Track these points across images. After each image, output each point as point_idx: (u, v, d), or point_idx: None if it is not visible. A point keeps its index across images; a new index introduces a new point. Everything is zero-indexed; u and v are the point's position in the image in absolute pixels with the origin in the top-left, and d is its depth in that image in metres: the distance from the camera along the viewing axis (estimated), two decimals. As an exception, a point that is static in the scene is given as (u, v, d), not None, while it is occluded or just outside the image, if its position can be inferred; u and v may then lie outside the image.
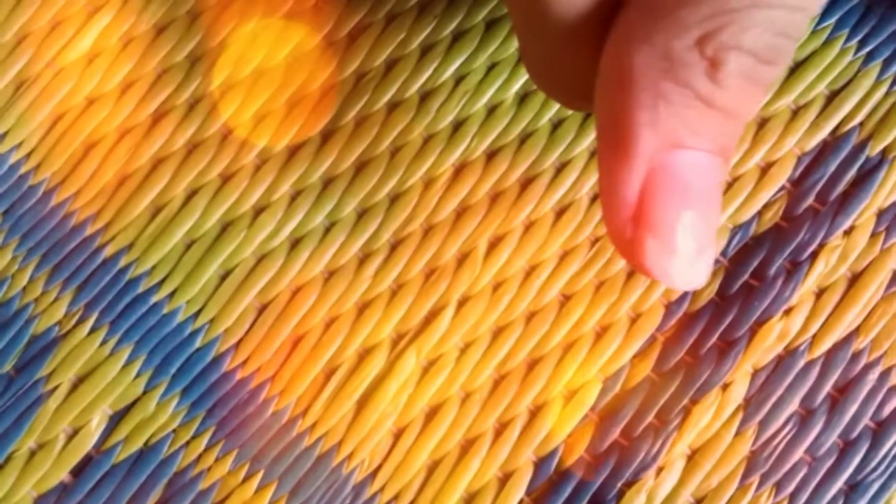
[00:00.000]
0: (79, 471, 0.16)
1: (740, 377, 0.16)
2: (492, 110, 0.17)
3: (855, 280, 0.16)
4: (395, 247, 0.17)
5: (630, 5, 0.12)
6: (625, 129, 0.12)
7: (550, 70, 0.14)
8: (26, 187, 0.17)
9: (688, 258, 0.12)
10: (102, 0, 0.18)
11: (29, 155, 0.17)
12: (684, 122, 0.12)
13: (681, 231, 0.12)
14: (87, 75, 0.18)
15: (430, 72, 0.17)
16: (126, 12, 0.18)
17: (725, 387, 0.16)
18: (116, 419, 0.16)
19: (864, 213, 0.17)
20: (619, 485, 0.16)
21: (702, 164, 0.12)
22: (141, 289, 0.17)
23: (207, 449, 0.16)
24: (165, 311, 0.16)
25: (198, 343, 0.16)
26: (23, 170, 0.17)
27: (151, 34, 0.18)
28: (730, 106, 0.12)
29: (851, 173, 0.17)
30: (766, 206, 0.17)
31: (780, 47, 0.12)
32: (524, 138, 0.17)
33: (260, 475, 0.16)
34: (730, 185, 0.17)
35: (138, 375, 0.16)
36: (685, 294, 0.16)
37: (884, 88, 0.17)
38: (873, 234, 0.17)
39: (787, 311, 0.16)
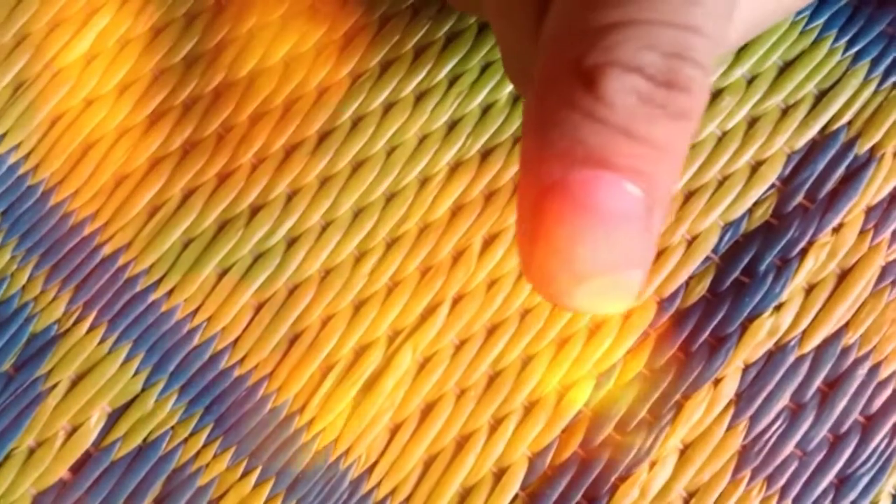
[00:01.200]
0: (78, 468, 0.16)
1: (731, 372, 0.16)
2: (486, 110, 0.18)
3: (844, 276, 0.17)
4: (390, 245, 0.17)
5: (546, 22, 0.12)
6: (524, 148, 0.12)
7: (515, 67, 0.14)
8: (25, 187, 0.17)
9: (577, 280, 0.12)
10: (101, 2, 0.18)
11: (28, 155, 0.17)
12: (578, 142, 0.11)
13: (571, 252, 0.12)
14: (85, 76, 0.18)
15: (424, 73, 0.18)
16: (124, 14, 0.18)
17: (717, 382, 0.16)
18: (115, 416, 0.16)
19: (853, 211, 0.17)
20: (612, 479, 0.16)
21: (602, 185, 0.11)
22: (139, 287, 0.17)
23: (206, 445, 0.16)
24: (163, 309, 0.17)
25: (196, 341, 0.17)
26: (22, 170, 0.17)
27: (149, 36, 0.18)
28: (626, 126, 0.11)
29: (840, 171, 0.17)
30: (757, 204, 0.17)
31: (675, 69, 0.11)
32: (518, 138, 0.17)
33: (258, 471, 0.16)
34: (720, 184, 0.17)
35: (137, 373, 0.16)
36: (677, 291, 0.17)
37: (871, 87, 0.18)
38: (862, 231, 0.17)
39: (778, 308, 0.16)
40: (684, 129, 0.12)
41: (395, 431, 0.16)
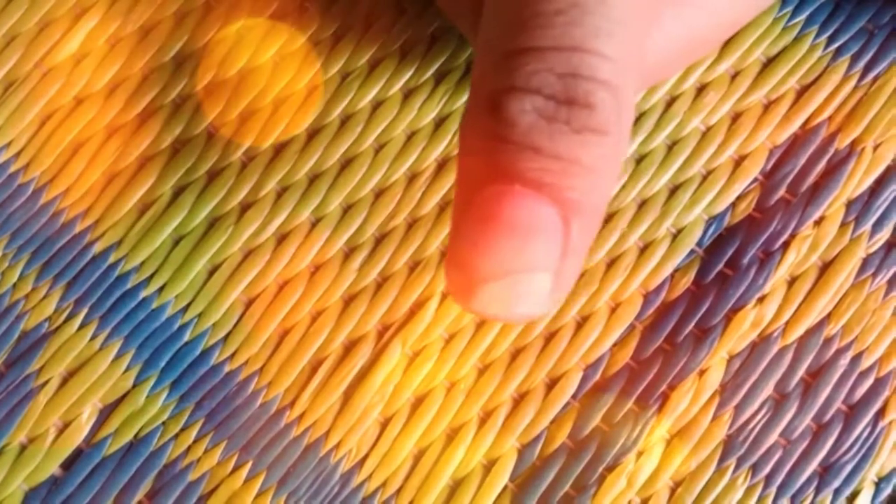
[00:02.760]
0: (69, 464, 0.16)
1: (716, 363, 0.16)
2: (473, 107, 0.18)
3: (826, 268, 0.17)
4: (379, 241, 0.17)
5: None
6: (457, 167, 0.13)
7: None
8: (16, 186, 0.17)
9: (482, 279, 0.12)
10: (90, 2, 0.18)
11: (18, 154, 0.17)
12: (487, 162, 0.12)
13: (470, 258, 0.12)
14: (75, 76, 0.18)
15: (412, 71, 0.18)
16: (113, 14, 0.18)
17: (702, 373, 0.16)
18: (106, 412, 0.16)
19: (834, 204, 0.17)
20: (600, 469, 0.16)
21: (507, 198, 0.12)
22: (130, 284, 0.17)
23: (196, 441, 0.16)
24: (154, 306, 0.17)
25: (186, 337, 0.17)
26: (12, 168, 0.17)
27: (138, 35, 0.18)
28: (530, 142, 0.12)
29: (821, 165, 0.17)
30: (740, 198, 0.17)
31: (572, 87, 0.12)
32: (505, 134, 0.18)
33: (248, 466, 0.16)
34: (704, 178, 0.17)
35: (128, 369, 0.16)
36: (663, 283, 0.17)
37: (852, 83, 0.18)
38: (843, 224, 0.17)
39: (761, 299, 0.17)
40: (596, 143, 0.12)
41: (385, 425, 0.16)
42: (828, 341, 0.17)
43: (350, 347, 0.17)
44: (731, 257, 0.17)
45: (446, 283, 0.13)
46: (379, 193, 0.17)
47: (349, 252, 0.17)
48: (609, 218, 0.17)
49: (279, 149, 0.18)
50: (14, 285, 0.17)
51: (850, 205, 0.17)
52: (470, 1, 0.14)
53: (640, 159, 0.17)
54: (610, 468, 0.16)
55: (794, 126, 0.18)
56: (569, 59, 0.12)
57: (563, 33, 0.12)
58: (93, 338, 0.17)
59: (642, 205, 0.17)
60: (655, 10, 0.14)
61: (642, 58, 0.13)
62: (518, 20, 0.12)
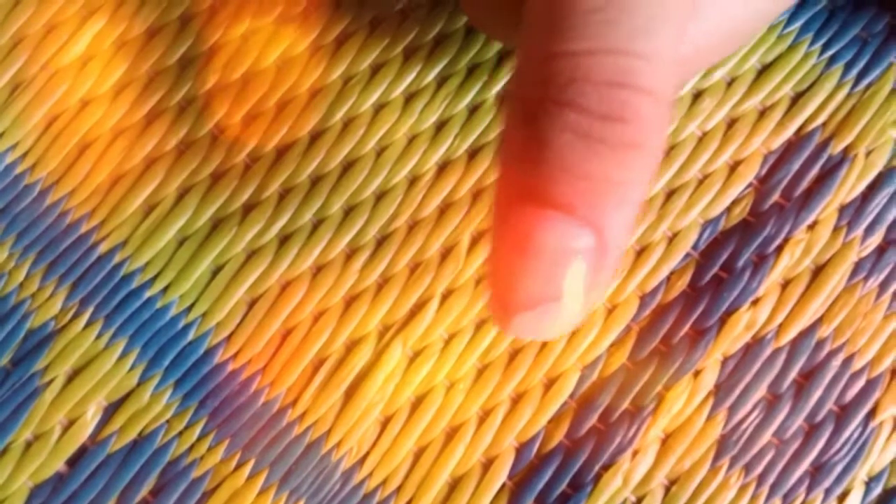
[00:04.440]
0: (74, 461, 0.16)
1: (711, 364, 0.17)
2: (473, 111, 0.18)
3: (818, 272, 0.17)
4: (381, 242, 0.17)
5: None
6: (496, 182, 0.12)
7: (480, 5, 0.15)
8: (22, 186, 0.18)
9: (512, 304, 0.12)
10: (96, 5, 0.18)
11: (25, 155, 0.18)
12: (520, 182, 0.12)
13: (506, 288, 0.12)
14: (81, 78, 0.18)
15: (413, 74, 0.18)
16: (119, 17, 0.18)
17: (697, 374, 0.17)
18: (111, 410, 0.17)
19: (827, 209, 0.18)
20: (596, 468, 0.16)
21: (539, 223, 0.12)
22: (135, 284, 0.17)
23: (200, 438, 0.16)
24: (159, 305, 0.17)
25: (190, 336, 0.17)
26: (18, 169, 0.18)
27: (144, 38, 0.18)
28: (563, 164, 0.11)
29: (815, 171, 0.18)
30: (735, 202, 0.18)
31: (610, 99, 0.11)
32: (504, 138, 0.18)
33: (251, 463, 0.16)
34: (700, 183, 0.18)
35: (132, 368, 0.17)
36: (658, 286, 0.17)
37: (846, 90, 0.18)
38: (836, 229, 0.17)
39: (755, 302, 0.17)
40: (631, 159, 0.11)
41: (385, 423, 0.17)
42: (820, 343, 0.17)
43: (351, 347, 0.17)
44: (725, 260, 0.17)
45: (487, 303, 0.13)
46: (380, 196, 0.18)
47: (351, 253, 0.17)
48: (606, 221, 0.17)
49: (282, 151, 0.18)
50: (20, 284, 0.17)
51: (842, 210, 0.18)
52: (507, 10, 0.14)
53: (637, 164, 0.18)
54: (606, 467, 0.16)
55: (789, 132, 0.18)
56: (605, 64, 0.11)
57: (600, 33, 0.11)
58: (98, 337, 0.17)
59: (639, 208, 0.17)
60: (694, 1, 0.13)
61: (681, 53, 0.12)
62: (553, 21, 0.11)
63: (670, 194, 0.18)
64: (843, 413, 0.17)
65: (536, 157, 0.11)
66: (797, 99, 0.18)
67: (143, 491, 0.16)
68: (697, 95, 0.18)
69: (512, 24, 0.14)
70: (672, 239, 0.17)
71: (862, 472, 0.16)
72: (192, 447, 0.16)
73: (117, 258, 0.17)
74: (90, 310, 0.17)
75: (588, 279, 0.12)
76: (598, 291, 0.12)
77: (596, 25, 0.11)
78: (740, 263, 0.17)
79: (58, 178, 0.18)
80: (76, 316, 0.17)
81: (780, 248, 0.17)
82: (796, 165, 0.18)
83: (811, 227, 0.17)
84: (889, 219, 0.17)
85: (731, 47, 0.15)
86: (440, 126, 0.18)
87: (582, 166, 0.11)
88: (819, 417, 0.17)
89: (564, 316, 0.12)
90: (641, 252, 0.17)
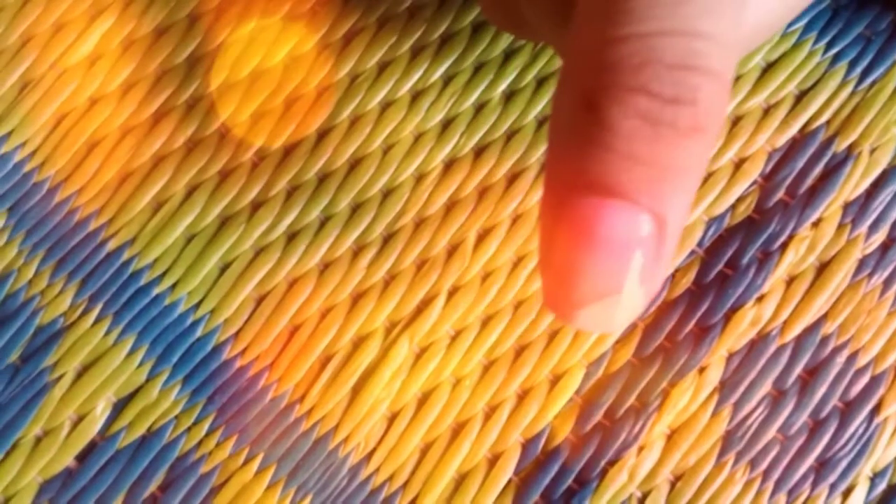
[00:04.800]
0: (84, 456, 0.16)
1: (716, 361, 0.17)
2: (479, 109, 0.18)
3: (823, 269, 0.17)
4: (387, 240, 0.18)
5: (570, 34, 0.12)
6: (546, 164, 0.12)
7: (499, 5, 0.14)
8: (31, 184, 0.18)
9: (577, 299, 0.12)
10: (104, 4, 0.18)
11: (34, 153, 0.18)
12: (583, 169, 0.11)
13: (570, 280, 0.12)
14: (89, 76, 0.18)
15: (420, 73, 0.18)
16: (127, 16, 0.18)
17: (702, 370, 0.17)
18: (120, 406, 0.17)
19: (831, 206, 0.18)
20: (602, 463, 0.16)
21: (605, 212, 0.11)
22: (143, 281, 0.17)
23: (208, 434, 0.17)
24: (167, 302, 0.17)
25: (199, 333, 0.17)
26: (27, 167, 0.18)
27: (152, 37, 0.18)
28: (631, 151, 0.11)
29: (819, 168, 0.18)
30: (739, 200, 0.18)
31: (680, 83, 0.11)
32: (511, 135, 0.18)
33: (259, 459, 0.16)
34: (705, 180, 0.18)
35: (141, 364, 0.17)
36: (664, 283, 0.17)
37: (850, 88, 0.18)
38: (840, 226, 0.18)
39: (760, 299, 0.17)
40: (696, 143, 0.11)
41: (392, 419, 0.17)
42: (825, 340, 0.17)
43: (358, 344, 0.17)
44: (730, 257, 0.17)
45: (543, 293, 0.12)
46: (387, 193, 0.18)
47: (358, 250, 0.17)
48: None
49: (290, 149, 0.18)
50: (29, 282, 0.17)
51: (847, 207, 0.18)
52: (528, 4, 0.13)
53: (642, 161, 0.18)
54: (612, 462, 0.16)
55: (793, 130, 0.18)
56: (676, 46, 0.11)
57: (667, 14, 0.11)
58: (107, 333, 0.17)
59: (644, 206, 0.18)
60: None
61: (741, 38, 0.12)
62: (616, 4, 0.11)
63: (675, 192, 0.18)
64: (848, 409, 0.17)
65: (600, 145, 0.11)
66: (801, 97, 0.18)
67: (152, 486, 0.16)
68: (702, 93, 0.18)
69: (531, 18, 0.13)
70: (677, 236, 0.18)
71: (867, 468, 0.16)
72: (200, 443, 0.17)
73: (126, 255, 0.17)
74: (99, 307, 0.17)
75: (648, 268, 0.12)
76: (658, 281, 0.12)
77: (663, 6, 0.11)
78: (745, 260, 0.17)
79: (66, 176, 0.18)
80: (85, 313, 0.17)
81: (784, 245, 0.17)
82: (801, 163, 0.18)
83: (815, 224, 0.18)
84: (893, 216, 0.17)
85: (785, 22, 0.15)
86: (446, 124, 0.18)
87: (648, 153, 0.11)
88: (824, 413, 0.17)
89: (628, 307, 0.12)
90: (647, 249, 0.17)
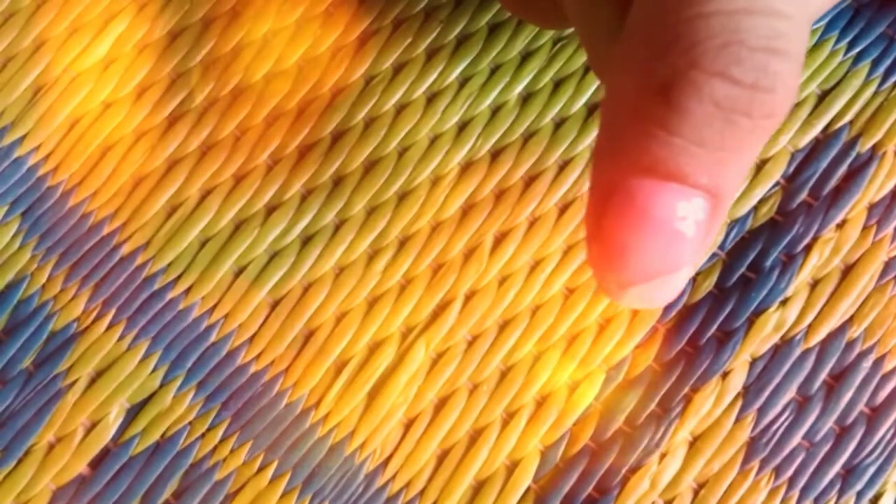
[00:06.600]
0: (97, 463, 0.16)
1: (739, 366, 0.17)
2: (496, 111, 0.18)
3: (848, 271, 0.17)
4: (403, 243, 0.17)
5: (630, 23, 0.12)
6: (598, 140, 0.12)
7: (599, 66, 0.14)
8: (45, 188, 0.18)
9: (628, 279, 0.12)
10: (118, 8, 0.18)
11: (47, 157, 0.18)
12: (647, 150, 0.11)
13: (623, 259, 0.12)
14: (103, 80, 0.18)
15: (436, 74, 0.18)
16: (141, 19, 0.18)
17: (725, 375, 0.17)
18: (134, 412, 0.16)
19: (856, 207, 0.17)
20: (623, 471, 0.16)
21: (665, 196, 0.11)
22: (157, 286, 0.17)
23: (223, 440, 0.16)
24: (181, 306, 0.17)
25: (213, 338, 0.17)
26: (41, 171, 0.18)
27: (166, 40, 0.18)
28: (700, 137, 0.11)
29: (843, 169, 0.18)
30: (762, 202, 0.17)
31: (762, 67, 0.10)
32: (527, 137, 0.18)
33: (274, 465, 0.16)
34: (726, 182, 0.18)
35: (155, 369, 0.17)
36: (685, 286, 0.17)
37: (873, 87, 0.18)
38: (865, 227, 0.17)
39: (784, 302, 0.17)
40: (767, 130, 0.11)
41: (408, 426, 0.16)
42: (850, 344, 0.17)
43: (374, 349, 0.17)
44: (753, 260, 0.17)
45: (592, 268, 0.12)
46: (402, 196, 0.18)
47: (373, 254, 0.17)
48: (631, 221, 0.17)
49: (304, 152, 0.18)
50: (43, 286, 0.17)
51: (871, 208, 0.17)
52: None
53: (661, 163, 0.18)
54: (633, 470, 0.16)
55: (816, 130, 0.18)
56: (760, 25, 0.10)
57: None
58: (120, 338, 0.17)
59: (664, 208, 0.17)
60: None
61: (812, 15, 0.12)
62: None
63: (696, 193, 0.17)
64: (875, 415, 0.16)
65: (667, 130, 0.11)
66: (824, 97, 0.18)
67: (166, 493, 0.16)
68: (722, 94, 0.18)
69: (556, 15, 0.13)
70: (698, 239, 0.17)
71: (894, 475, 0.16)
72: (214, 449, 0.16)
73: (140, 260, 0.17)
74: (112, 311, 0.17)
75: (700, 246, 0.12)
76: (701, 257, 0.12)
77: None
78: (768, 263, 0.17)
79: (80, 179, 0.18)
80: (99, 318, 0.17)
81: (808, 248, 0.17)
82: (824, 163, 0.17)
83: (840, 225, 0.17)
84: (920, 217, 0.17)
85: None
86: (463, 126, 0.18)
87: (718, 140, 0.11)
88: (850, 419, 0.16)
89: (676, 285, 0.12)
90: (667, 252, 0.17)
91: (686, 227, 0.11)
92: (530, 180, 0.18)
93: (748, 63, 0.10)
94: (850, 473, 0.16)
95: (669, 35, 0.11)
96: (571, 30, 0.18)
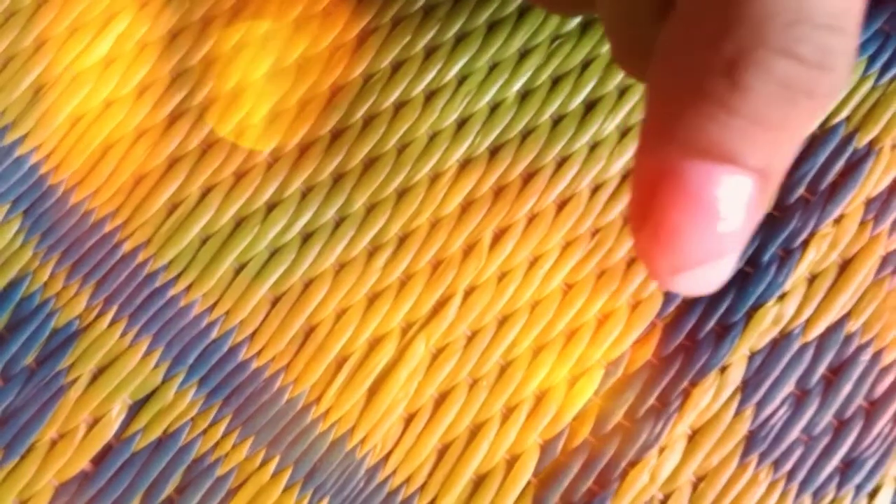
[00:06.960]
0: (99, 459, 0.16)
1: (737, 360, 0.17)
2: (494, 108, 0.18)
3: (846, 266, 0.17)
4: (403, 240, 0.17)
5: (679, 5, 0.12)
6: (647, 119, 0.12)
7: (630, 53, 0.14)
8: (46, 187, 0.18)
9: (680, 264, 0.12)
10: (119, 7, 0.18)
11: (48, 156, 0.18)
12: (703, 130, 0.11)
13: (674, 243, 0.11)
14: (104, 79, 0.18)
15: (434, 72, 0.18)
16: (141, 18, 0.18)
17: (723, 369, 0.17)
18: (136, 408, 0.17)
19: (853, 202, 0.17)
20: (622, 465, 0.16)
21: (719, 179, 0.11)
22: (158, 283, 0.17)
23: (224, 436, 0.16)
24: (182, 303, 0.17)
25: (214, 334, 0.17)
26: (43, 170, 0.18)
27: (166, 39, 0.18)
28: (760, 116, 0.10)
29: (840, 164, 0.18)
30: (760, 197, 0.17)
31: (827, 46, 0.10)
32: (526, 134, 0.18)
33: (276, 461, 0.16)
34: (724, 177, 0.18)
35: (157, 366, 0.17)
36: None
37: (870, 83, 0.18)
38: (862, 222, 0.17)
39: (782, 297, 0.17)
40: (824, 109, 0.11)
41: (409, 421, 0.17)
42: (848, 338, 0.17)
43: (374, 345, 0.17)
44: (751, 255, 0.17)
45: (640, 254, 0.12)
46: (402, 193, 0.18)
47: (373, 251, 0.17)
48: (630, 217, 0.17)
49: (304, 149, 0.18)
50: (45, 284, 0.17)
51: (869, 203, 0.17)
52: None
53: (659, 159, 0.18)
54: (632, 463, 0.16)
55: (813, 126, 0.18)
56: (823, 2, 0.10)
57: None
58: (122, 335, 0.17)
59: (662, 204, 0.17)
60: None
61: None
62: None
63: (694, 189, 0.18)
64: (873, 408, 0.16)
65: (727, 109, 0.10)
66: (821, 92, 0.18)
67: (168, 489, 0.16)
68: (720, 90, 0.18)
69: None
70: (696, 234, 0.17)
71: (893, 469, 0.16)
72: (216, 445, 0.16)
73: (141, 257, 0.17)
74: (114, 308, 0.17)
75: (750, 228, 0.11)
76: (748, 237, 0.12)
77: None
78: (766, 258, 0.17)
79: (81, 178, 0.18)
80: (100, 315, 0.17)
81: (806, 243, 0.17)
82: (821, 159, 0.18)
83: (837, 220, 0.17)
84: (917, 212, 0.17)
85: None
86: (461, 123, 0.18)
87: (778, 119, 0.10)
88: (848, 413, 0.16)
89: (726, 269, 0.12)
90: (665, 247, 0.17)
91: (737, 209, 0.11)
92: (529, 177, 0.18)
93: (813, 40, 0.10)
94: (848, 467, 0.16)
95: (732, 13, 0.10)
96: (569, 27, 0.18)
